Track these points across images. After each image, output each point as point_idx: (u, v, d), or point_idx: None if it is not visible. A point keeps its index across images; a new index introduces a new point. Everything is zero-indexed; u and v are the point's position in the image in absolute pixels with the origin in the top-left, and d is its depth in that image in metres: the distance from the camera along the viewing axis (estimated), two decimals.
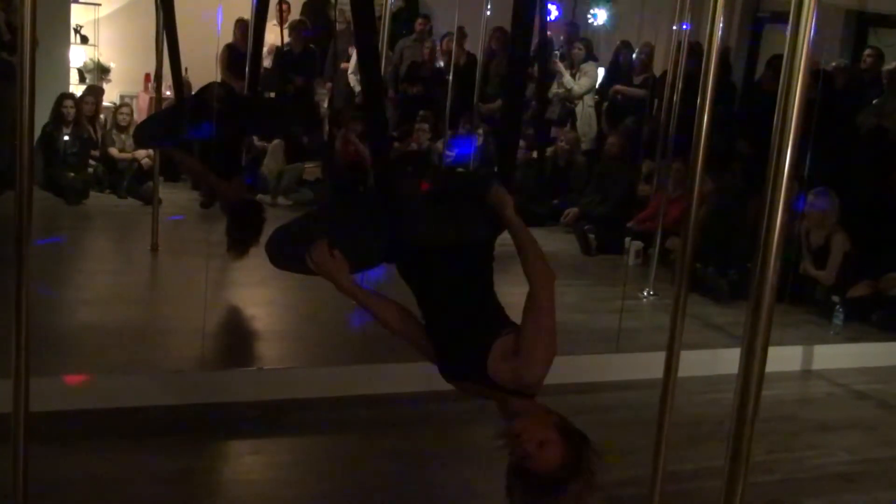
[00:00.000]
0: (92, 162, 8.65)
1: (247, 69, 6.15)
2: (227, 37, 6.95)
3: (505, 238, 2.92)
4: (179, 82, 5.79)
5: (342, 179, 2.67)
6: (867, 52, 8.95)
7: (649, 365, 4.47)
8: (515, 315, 2.75)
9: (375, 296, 2.90)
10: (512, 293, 2.92)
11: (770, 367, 2.60)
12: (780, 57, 2.55)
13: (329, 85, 9.78)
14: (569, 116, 10.11)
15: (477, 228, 2.86)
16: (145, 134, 6.55)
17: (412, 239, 2.80)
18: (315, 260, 2.81)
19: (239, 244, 5.42)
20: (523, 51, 3.06)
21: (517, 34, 3.05)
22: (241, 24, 7.82)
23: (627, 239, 7.63)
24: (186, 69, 8.15)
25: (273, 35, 9.50)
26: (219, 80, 5.89)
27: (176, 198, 7.83)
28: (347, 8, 10.26)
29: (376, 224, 2.84)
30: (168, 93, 7.96)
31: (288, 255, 3.06)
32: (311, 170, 8.79)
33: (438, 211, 2.91)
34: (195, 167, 5.82)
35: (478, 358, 2.63)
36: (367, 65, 2.85)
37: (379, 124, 2.93)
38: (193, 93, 6.13)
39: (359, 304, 2.89)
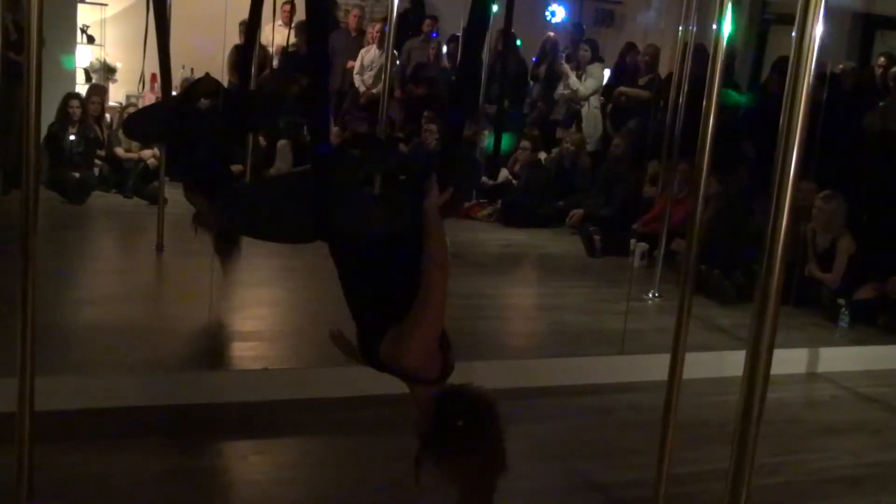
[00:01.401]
0: (98, 161, 8.67)
1: (247, 66, 6.09)
2: (233, 37, 6.95)
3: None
4: (168, 81, 5.77)
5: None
6: (880, 60, 8.95)
7: (654, 367, 4.48)
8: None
9: None
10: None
11: (775, 369, 2.61)
12: (785, 59, 2.55)
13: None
14: (574, 118, 10.12)
15: (410, 218, 2.84)
16: (136, 127, 6.52)
17: (342, 222, 2.77)
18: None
19: (229, 254, 5.35)
20: (476, 42, 3.07)
21: (470, 30, 3.07)
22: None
23: (633, 240, 7.62)
24: (192, 69, 8.21)
25: (280, 35, 9.55)
26: (226, 79, 5.83)
27: (181, 198, 7.83)
28: (352, 8, 10.29)
29: (314, 202, 2.79)
30: (173, 93, 7.97)
31: (243, 217, 3.05)
32: None
33: (372, 197, 2.89)
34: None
35: (374, 342, 2.66)
36: (313, 34, 2.79)
37: (319, 104, 2.86)
38: (186, 87, 6.11)
39: None
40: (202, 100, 5.60)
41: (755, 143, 8.11)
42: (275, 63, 9.52)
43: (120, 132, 8.87)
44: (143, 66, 6.69)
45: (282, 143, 8.96)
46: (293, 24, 9.64)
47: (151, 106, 6.59)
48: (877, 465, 4.53)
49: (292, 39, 9.55)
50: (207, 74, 5.73)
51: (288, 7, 9.78)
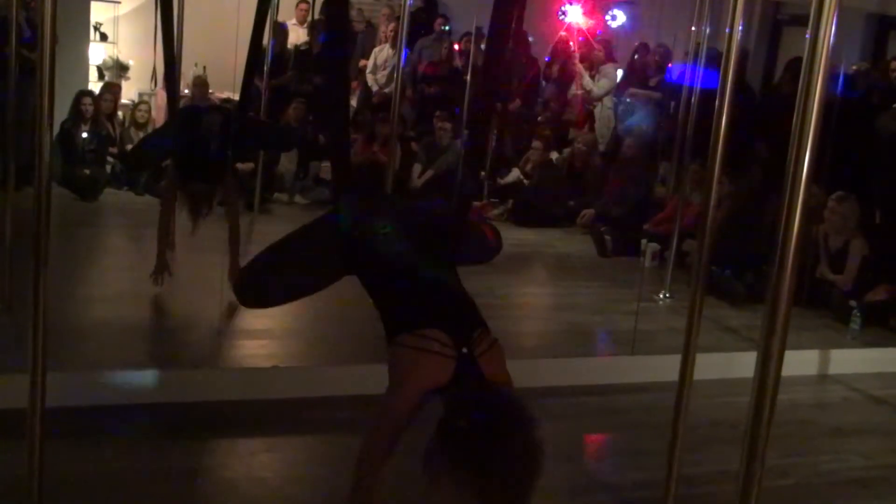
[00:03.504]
0: (110, 159, 8.70)
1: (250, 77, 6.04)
2: (246, 35, 6.95)
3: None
4: (173, 80, 5.78)
5: (352, 181, 2.60)
6: (893, 64, 8.92)
7: (665, 367, 4.47)
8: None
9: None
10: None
11: (786, 370, 2.59)
12: (798, 59, 2.54)
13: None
14: (587, 118, 10.11)
15: (440, 249, 2.88)
16: (137, 159, 6.64)
17: (374, 256, 2.79)
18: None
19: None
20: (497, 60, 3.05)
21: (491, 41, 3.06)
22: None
23: (644, 240, 7.61)
24: (205, 67, 8.22)
25: (294, 35, 9.57)
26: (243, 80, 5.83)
27: None
28: (366, 7, 10.32)
29: (339, 241, 2.80)
30: (186, 91, 7.99)
31: (262, 291, 3.07)
32: (329, 169, 8.83)
33: (403, 229, 2.89)
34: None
35: None
36: (333, 74, 2.80)
37: (341, 142, 2.87)
38: (184, 112, 6.03)
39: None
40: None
41: (768, 143, 8.08)
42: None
43: (132, 130, 8.91)
44: (155, 64, 6.70)
45: None
46: (307, 24, 9.67)
47: (153, 136, 6.65)
48: (888, 467, 4.51)
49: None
50: (210, 106, 5.77)
51: (305, 6, 9.80)
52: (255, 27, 5.38)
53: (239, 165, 6.89)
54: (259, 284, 3.09)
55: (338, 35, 2.75)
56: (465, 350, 2.58)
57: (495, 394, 2.41)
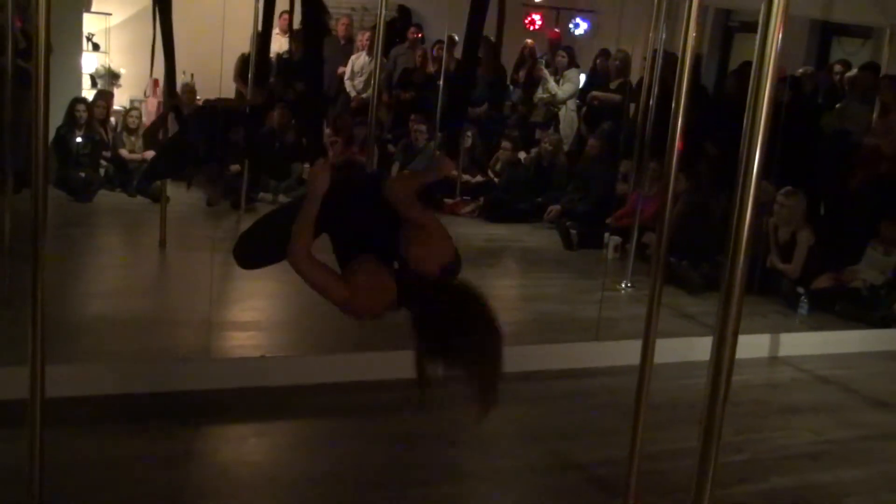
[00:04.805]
0: (103, 162, 8.64)
1: (252, 75, 6.05)
2: (231, 43, 6.90)
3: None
4: (173, 89, 5.73)
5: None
6: (837, 67, 9.02)
7: (627, 352, 4.49)
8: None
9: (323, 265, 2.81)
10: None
11: (740, 353, 2.62)
12: (747, 64, 2.56)
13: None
14: (552, 120, 10.13)
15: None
16: (153, 173, 6.53)
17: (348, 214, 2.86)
18: (316, 169, 2.77)
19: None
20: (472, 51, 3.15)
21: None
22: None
23: (607, 234, 7.64)
24: (192, 75, 8.16)
25: (277, 44, 9.52)
26: (232, 87, 5.76)
27: (183, 196, 7.80)
28: (341, 17, 10.21)
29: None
30: None
31: (256, 252, 3.07)
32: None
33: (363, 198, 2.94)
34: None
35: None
36: (311, 63, 2.84)
37: (315, 131, 2.90)
38: (190, 116, 5.99)
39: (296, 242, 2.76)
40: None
41: (715, 142, 8.12)
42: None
43: (124, 134, 8.86)
44: (152, 72, 6.66)
45: None
46: (290, 32, 9.61)
47: (166, 148, 6.53)
48: (835, 441, 4.56)
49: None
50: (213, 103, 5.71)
51: (287, 16, 9.75)
52: (262, 31, 5.37)
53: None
54: (248, 249, 3.11)
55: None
56: (396, 265, 2.78)
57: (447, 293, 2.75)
